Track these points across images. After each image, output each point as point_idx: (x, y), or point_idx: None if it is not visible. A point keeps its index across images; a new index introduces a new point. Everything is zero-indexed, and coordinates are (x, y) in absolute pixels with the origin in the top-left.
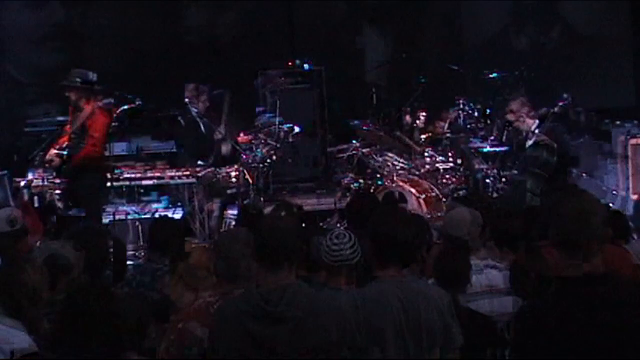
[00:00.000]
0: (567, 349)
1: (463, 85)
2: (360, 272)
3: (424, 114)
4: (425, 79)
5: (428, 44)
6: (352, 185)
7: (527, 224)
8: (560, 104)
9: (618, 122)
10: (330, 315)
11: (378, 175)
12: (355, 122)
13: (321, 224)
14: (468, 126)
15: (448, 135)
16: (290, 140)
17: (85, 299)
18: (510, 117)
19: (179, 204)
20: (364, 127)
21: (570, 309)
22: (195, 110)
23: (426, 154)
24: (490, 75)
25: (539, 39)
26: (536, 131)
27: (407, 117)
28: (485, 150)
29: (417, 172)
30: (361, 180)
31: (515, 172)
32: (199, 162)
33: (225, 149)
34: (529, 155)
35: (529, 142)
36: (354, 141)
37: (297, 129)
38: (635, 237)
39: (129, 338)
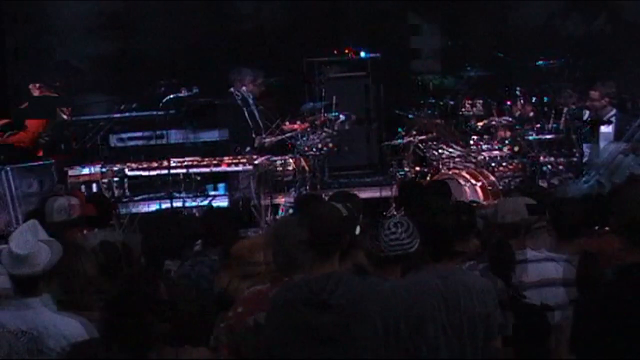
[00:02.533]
0: (628, 335)
1: (511, 73)
2: (409, 263)
3: (480, 101)
4: (476, 67)
5: (476, 31)
6: (407, 174)
7: (588, 213)
8: None
9: None
10: (374, 304)
11: (434, 163)
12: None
13: (384, 213)
14: (531, 114)
15: (512, 125)
16: (347, 128)
17: (137, 288)
18: (595, 95)
19: (235, 192)
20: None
21: (631, 296)
22: (246, 95)
23: (482, 142)
24: (543, 64)
25: (586, 26)
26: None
27: (467, 106)
28: (540, 138)
29: (473, 160)
30: (407, 169)
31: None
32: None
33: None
34: (628, 165)
35: (618, 145)
36: (400, 129)
37: (352, 117)
38: None
39: (190, 331)
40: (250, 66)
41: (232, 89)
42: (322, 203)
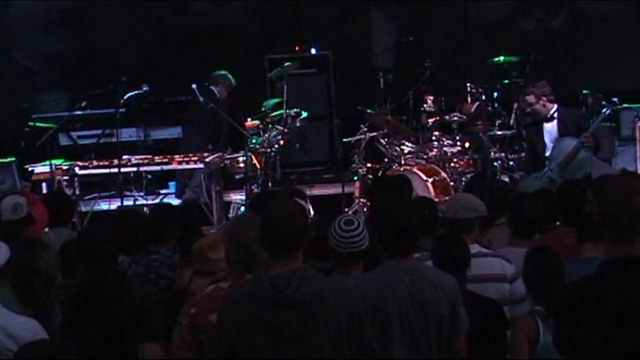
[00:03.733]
0: (613, 329)
1: (470, 68)
2: (370, 259)
3: (431, 97)
4: (433, 63)
5: (435, 27)
6: (359, 170)
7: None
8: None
9: (625, 105)
10: (338, 301)
11: (386, 160)
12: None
13: (347, 209)
14: (484, 109)
15: (464, 121)
16: (298, 125)
17: (96, 284)
18: (530, 98)
19: (187, 189)
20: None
21: (612, 290)
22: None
23: (434, 138)
24: (497, 59)
25: (546, 21)
26: (550, 112)
27: (420, 102)
28: (491, 134)
29: (424, 156)
30: (369, 165)
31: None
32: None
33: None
34: (580, 160)
35: (569, 141)
36: (362, 125)
37: (304, 114)
38: None
39: (138, 324)
40: (210, 63)
41: (194, 86)
42: (279, 200)
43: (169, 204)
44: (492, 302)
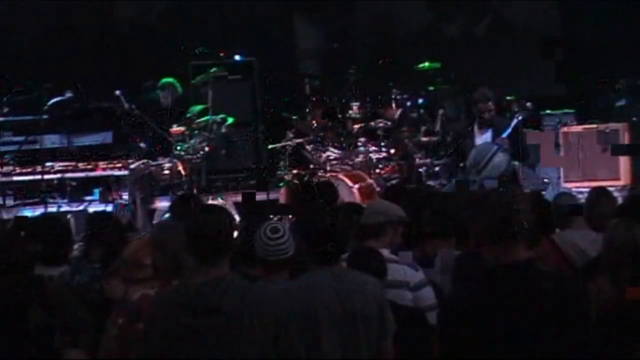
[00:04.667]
0: (491, 335)
1: (395, 75)
2: (297, 266)
3: (356, 104)
4: (358, 69)
5: (359, 33)
6: (285, 177)
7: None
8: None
9: (549, 111)
10: (264, 307)
11: (312, 166)
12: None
13: (271, 216)
14: (409, 115)
15: (389, 127)
16: (223, 131)
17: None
18: (491, 105)
19: (113, 197)
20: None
21: (494, 297)
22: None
23: (359, 144)
24: (422, 66)
25: (470, 28)
26: (503, 135)
27: (347, 108)
28: (417, 140)
29: (350, 162)
30: (295, 171)
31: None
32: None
33: None
34: (496, 162)
35: (485, 145)
36: (288, 132)
37: (229, 120)
38: None
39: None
40: (134, 70)
41: (118, 92)
42: (204, 207)
43: (106, 212)
44: (408, 310)
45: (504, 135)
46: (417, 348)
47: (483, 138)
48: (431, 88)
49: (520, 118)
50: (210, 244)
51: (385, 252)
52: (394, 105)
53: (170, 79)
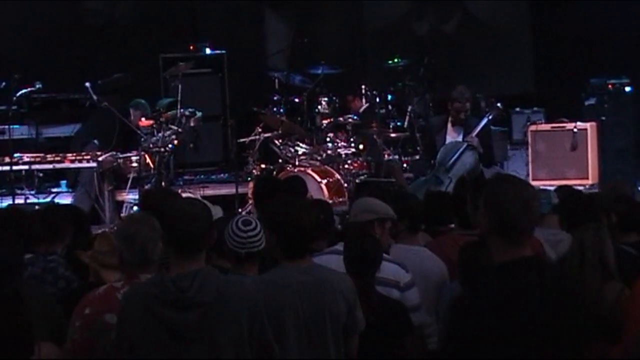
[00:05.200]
0: (500, 331)
1: (364, 71)
2: (266, 260)
3: (325, 99)
4: (327, 65)
5: (329, 29)
6: (253, 171)
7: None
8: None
9: (517, 109)
10: (240, 301)
11: (280, 161)
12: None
13: (240, 210)
14: (378, 111)
15: (358, 123)
16: (192, 124)
17: None
18: (462, 106)
19: (79, 188)
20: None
21: (506, 292)
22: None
23: (328, 140)
24: (391, 63)
25: (439, 25)
26: (473, 134)
27: (314, 103)
28: (385, 136)
29: (318, 158)
30: (263, 166)
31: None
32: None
33: None
34: (458, 158)
35: (454, 143)
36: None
37: (198, 114)
38: None
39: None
40: (103, 61)
41: (87, 84)
42: (183, 199)
43: (63, 204)
44: (398, 305)
45: (474, 134)
46: (394, 341)
47: (454, 137)
48: (400, 84)
49: (490, 117)
50: (191, 237)
51: None
52: (363, 100)
53: (142, 100)
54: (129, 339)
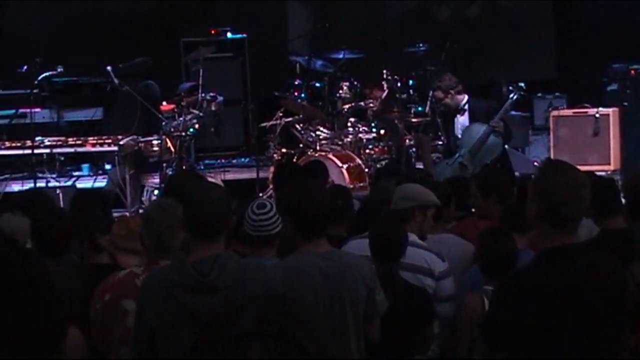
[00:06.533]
0: (549, 319)
1: (385, 56)
2: (285, 244)
3: (347, 84)
4: (348, 50)
5: (350, 14)
6: (274, 156)
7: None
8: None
9: (540, 94)
10: (260, 285)
11: (301, 145)
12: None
13: (260, 194)
14: (399, 96)
15: (379, 108)
16: (213, 109)
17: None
18: (438, 94)
19: (101, 172)
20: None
21: (556, 279)
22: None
23: (349, 125)
24: (413, 48)
25: (461, 10)
26: (460, 104)
27: (336, 88)
28: (406, 121)
29: (339, 142)
30: (284, 150)
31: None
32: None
33: None
34: (482, 142)
35: (479, 127)
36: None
37: (219, 98)
38: None
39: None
40: (125, 46)
41: (108, 68)
42: (202, 184)
43: (88, 188)
44: (421, 292)
45: (497, 117)
46: (417, 328)
47: (460, 122)
48: (421, 70)
49: (515, 98)
50: (210, 222)
51: (413, 237)
52: (384, 86)
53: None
54: (149, 324)
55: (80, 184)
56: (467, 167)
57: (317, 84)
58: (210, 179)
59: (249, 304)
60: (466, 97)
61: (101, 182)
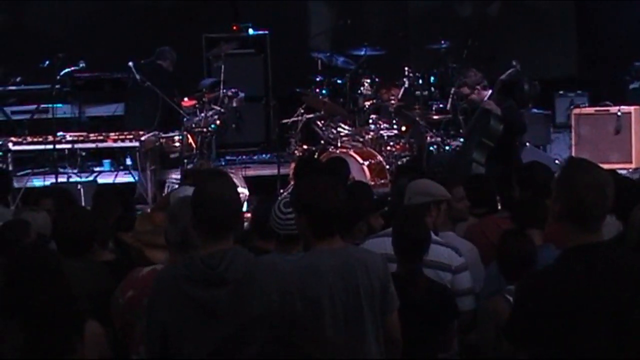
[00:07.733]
0: (573, 317)
1: (407, 53)
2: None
3: (368, 81)
4: (369, 46)
5: (372, 11)
6: (295, 152)
7: (469, 193)
8: (509, 71)
9: (561, 92)
10: (271, 280)
11: (322, 142)
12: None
13: (282, 191)
14: (418, 93)
15: (400, 105)
16: (235, 105)
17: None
18: (465, 90)
19: (122, 167)
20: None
21: (578, 277)
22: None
23: (370, 121)
24: (434, 45)
25: (482, 7)
26: (485, 98)
27: (357, 84)
28: (428, 118)
29: (360, 139)
30: (305, 147)
31: (461, 140)
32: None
33: None
34: (475, 123)
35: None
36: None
37: (241, 94)
38: None
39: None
40: (146, 41)
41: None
42: (211, 181)
43: (111, 184)
44: (444, 290)
45: (486, 97)
46: (439, 326)
47: None
48: (443, 67)
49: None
50: (219, 219)
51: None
52: (405, 82)
53: (166, 47)
54: (161, 320)
55: (101, 180)
56: (463, 153)
57: (339, 81)
58: (231, 175)
59: (259, 299)
60: (490, 91)
61: (124, 178)
